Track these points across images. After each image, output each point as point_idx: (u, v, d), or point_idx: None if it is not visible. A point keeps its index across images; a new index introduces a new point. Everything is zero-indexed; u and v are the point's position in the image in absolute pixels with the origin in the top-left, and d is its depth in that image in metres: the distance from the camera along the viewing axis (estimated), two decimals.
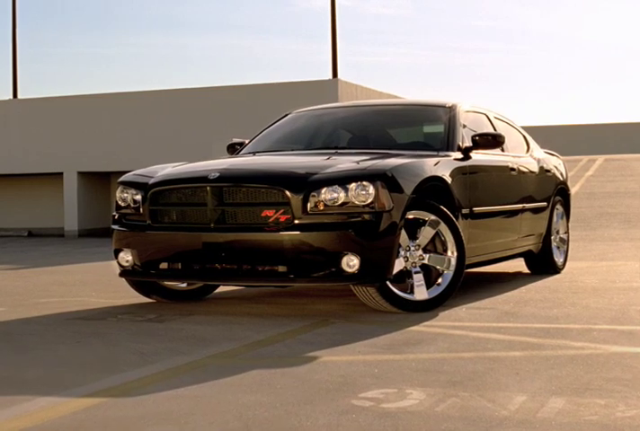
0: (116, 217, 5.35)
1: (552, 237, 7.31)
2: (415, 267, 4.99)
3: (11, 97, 20.91)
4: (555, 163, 7.78)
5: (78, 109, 17.90)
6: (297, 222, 4.67)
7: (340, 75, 18.32)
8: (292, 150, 6.04)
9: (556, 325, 4.52)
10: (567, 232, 7.81)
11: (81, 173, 17.98)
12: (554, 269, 7.31)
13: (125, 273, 5.27)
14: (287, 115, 6.84)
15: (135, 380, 3.33)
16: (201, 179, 4.96)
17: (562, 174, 7.82)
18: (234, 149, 6.62)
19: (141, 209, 5.14)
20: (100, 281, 7.36)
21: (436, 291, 5.08)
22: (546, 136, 26.02)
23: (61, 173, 18.09)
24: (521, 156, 7.03)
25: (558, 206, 7.56)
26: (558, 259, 7.43)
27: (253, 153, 6.09)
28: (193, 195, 4.96)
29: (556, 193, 7.48)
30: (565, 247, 7.69)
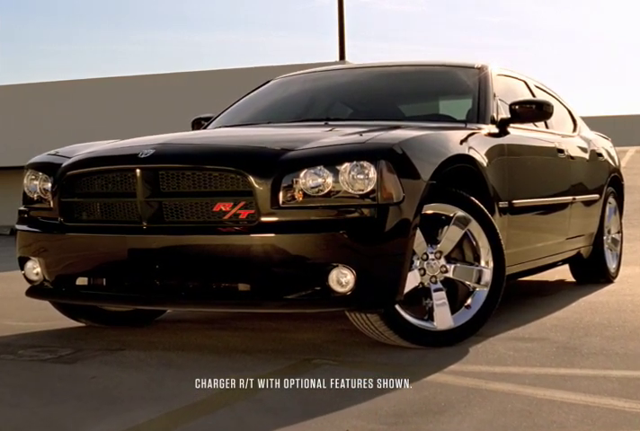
0: (22, 214, 3.91)
1: (604, 237, 5.85)
2: (436, 282, 3.53)
3: None
4: (607, 147, 6.33)
5: (59, 97, 16.51)
6: (264, 219, 3.21)
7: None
8: (268, 123, 4.54)
9: None
10: (620, 231, 6.33)
11: None
12: (606, 278, 5.85)
13: (32, 291, 3.82)
14: (268, 82, 5.36)
15: None
16: (129, 158, 3.48)
17: (614, 160, 6.35)
18: (199, 125, 5.17)
19: (51, 202, 3.69)
20: None
21: (465, 316, 3.61)
22: None
23: None
24: (569, 135, 5.56)
25: (611, 200, 6.10)
26: (611, 265, 5.97)
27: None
28: (121, 181, 3.49)
29: (609, 183, 6.02)
30: (618, 249, 6.23)
